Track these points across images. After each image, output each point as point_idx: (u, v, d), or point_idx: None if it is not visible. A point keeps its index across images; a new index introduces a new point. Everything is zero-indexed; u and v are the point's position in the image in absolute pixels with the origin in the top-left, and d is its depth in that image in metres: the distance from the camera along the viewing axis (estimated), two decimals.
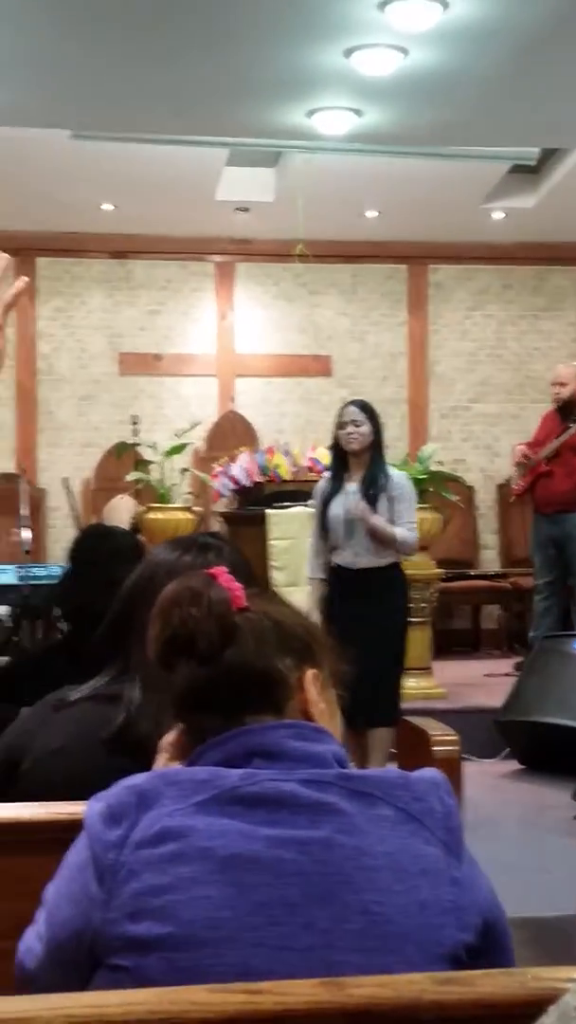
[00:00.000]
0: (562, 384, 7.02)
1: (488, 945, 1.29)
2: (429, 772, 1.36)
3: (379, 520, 4.82)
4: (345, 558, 4.90)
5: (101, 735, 1.79)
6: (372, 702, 4.51)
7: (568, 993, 0.67)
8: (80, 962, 1.25)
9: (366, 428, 4.93)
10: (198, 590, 1.36)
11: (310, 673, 1.37)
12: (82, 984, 1.24)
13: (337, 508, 4.88)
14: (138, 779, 1.29)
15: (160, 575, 1.86)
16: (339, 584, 4.92)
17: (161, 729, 1.74)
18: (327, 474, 5.09)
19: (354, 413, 4.97)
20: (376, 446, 4.94)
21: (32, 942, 1.32)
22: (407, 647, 5.25)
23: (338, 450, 5.00)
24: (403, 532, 4.87)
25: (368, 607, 4.86)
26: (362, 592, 4.88)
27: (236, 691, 1.33)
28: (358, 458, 4.94)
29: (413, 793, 1.30)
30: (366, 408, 4.98)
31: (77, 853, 1.29)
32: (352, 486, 4.92)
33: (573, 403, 6.97)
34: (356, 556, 4.90)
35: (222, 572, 1.41)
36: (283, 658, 1.35)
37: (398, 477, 5.01)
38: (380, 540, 4.84)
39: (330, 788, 1.28)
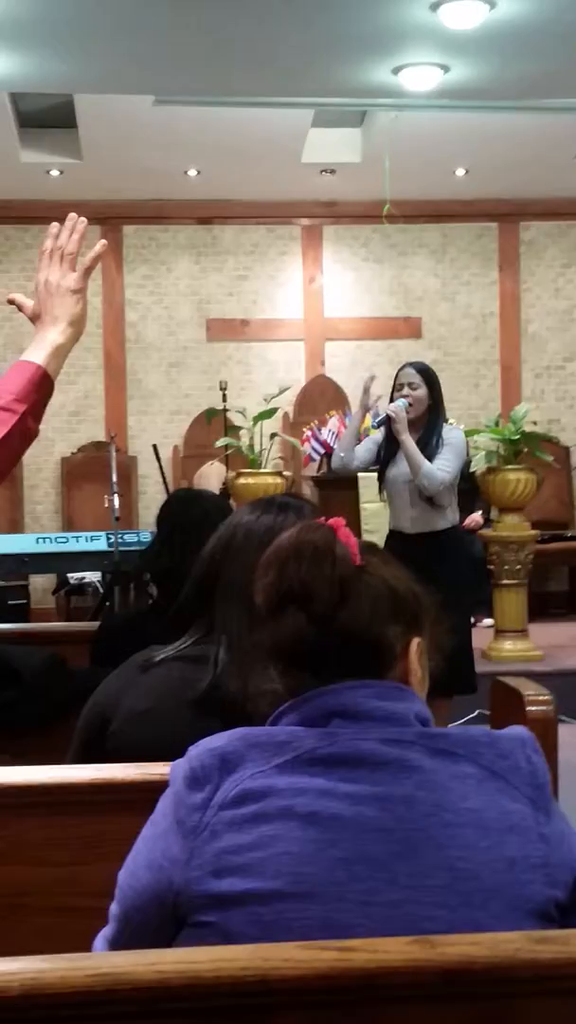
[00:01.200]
0: None
1: None
2: (515, 730, 1.34)
3: (409, 437, 4.78)
4: (394, 523, 4.88)
5: (188, 696, 1.79)
6: (454, 667, 4.47)
7: None
8: (161, 926, 1.25)
9: (422, 392, 4.86)
10: (322, 546, 1.34)
11: (415, 642, 1.36)
12: (164, 946, 1.24)
13: (393, 470, 4.83)
14: (221, 740, 1.29)
15: (239, 536, 1.86)
16: (397, 549, 4.81)
17: (249, 689, 1.74)
18: (379, 434, 4.99)
19: (411, 375, 4.91)
20: (432, 409, 4.87)
21: (100, 940, 1.34)
22: (470, 615, 5.25)
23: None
24: (430, 466, 4.80)
25: (432, 572, 4.77)
26: (418, 557, 4.78)
27: (342, 654, 1.31)
28: (413, 421, 4.89)
29: (497, 751, 1.29)
30: (423, 371, 4.92)
31: (155, 823, 1.30)
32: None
33: None
34: (403, 520, 4.86)
35: (341, 525, 1.39)
36: (394, 625, 1.33)
37: (450, 430, 4.97)
38: (409, 463, 4.77)
39: (411, 746, 1.27)
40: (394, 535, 4.89)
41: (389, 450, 4.90)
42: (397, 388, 4.89)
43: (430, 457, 4.78)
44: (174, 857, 1.24)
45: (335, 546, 1.35)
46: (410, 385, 4.86)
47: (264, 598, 1.34)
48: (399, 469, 4.84)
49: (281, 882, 1.20)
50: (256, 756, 1.26)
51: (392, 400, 4.90)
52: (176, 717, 1.77)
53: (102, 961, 1.15)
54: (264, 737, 1.28)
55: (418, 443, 4.83)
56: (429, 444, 4.81)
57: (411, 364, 5.02)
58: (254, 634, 1.39)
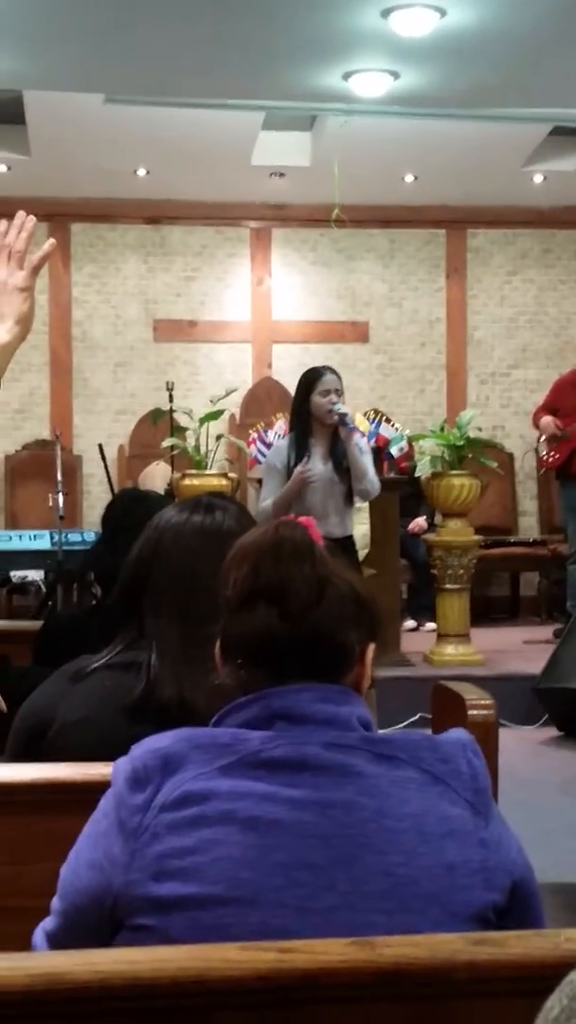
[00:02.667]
0: None
1: (516, 905, 1.28)
2: (456, 733, 1.35)
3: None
4: (322, 529, 4.85)
5: (121, 703, 1.77)
6: None
7: None
8: (99, 926, 1.25)
9: (341, 401, 4.90)
10: (301, 545, 1.34)
11: (371, 647, 1.37)
12: (102, 944, 1.24)
13: (309, 475, 4.81)
14: (164, 741, 1.29)
15: (168, 538, 1.84)
16: None
17: (185, 692, 1.73)
18: (284, 441, 4.97)
19: (336, 382, 4.92)
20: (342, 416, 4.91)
21: (40, 933, 1.33)
22: None
23: (306, 416, 4.91)
24: (372, 472, 4.88)
25: None
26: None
27: (308, 654, 1.31)
28: (325, 427, 4.89)
29: (439, 755, 1.30)
30: (339, 378, 4.98)
31: (97, 822, 1.29)
32: (319, 452, 4.86)
33: None
34: (334, 526, 4.85)
35: (312, 524, 1.40)
36: (355, 629, 1.34)
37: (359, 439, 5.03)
38: (354, 471, 4.82)
39: (353, 751, 1.27)
40: None
41: (300, 455, 4.86)
42: (321, 393, 4.86)
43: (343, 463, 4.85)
44: (115, 858, 1.24)
45: (314, 546, 1.35)
46: (336, 391, 4.88)
47: (236, 591, 1.33)
48: (318, 470, 4.83)
49: (221, 887, 1.20)
50: (199, 757, 1.26)
51: (302, 402, 4.89)
52: (112, 725, 1.76)
53: (41, 961, 1.15)
54: (207, 738, 1.28)
55: (332, 450, 4.87)
56: (346, 452, 4.88)
57: (330, 369, 5.01)
58: (215, 625, 1.37)
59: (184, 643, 1.77)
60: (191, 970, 1.10)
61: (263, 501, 4.84)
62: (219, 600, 1.37)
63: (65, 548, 6.44)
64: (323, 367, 5.07)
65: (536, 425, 7.27)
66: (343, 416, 4.86)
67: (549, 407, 7.14)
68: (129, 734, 1.46)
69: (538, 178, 8.58)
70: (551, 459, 7.03)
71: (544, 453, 7.09)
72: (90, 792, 1.43)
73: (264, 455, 7.65)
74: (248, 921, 1.20)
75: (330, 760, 1.26)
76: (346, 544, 4.89)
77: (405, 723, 5.44)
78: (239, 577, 1.34)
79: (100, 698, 1.82)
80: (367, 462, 4.91)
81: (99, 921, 1.25)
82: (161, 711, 1.71)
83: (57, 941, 1.30)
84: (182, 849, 1.22)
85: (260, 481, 5.31)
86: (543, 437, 7.09)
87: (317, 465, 4.83)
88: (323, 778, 1.25)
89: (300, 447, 4.86)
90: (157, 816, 1.23)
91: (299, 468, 4.75)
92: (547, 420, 7.00)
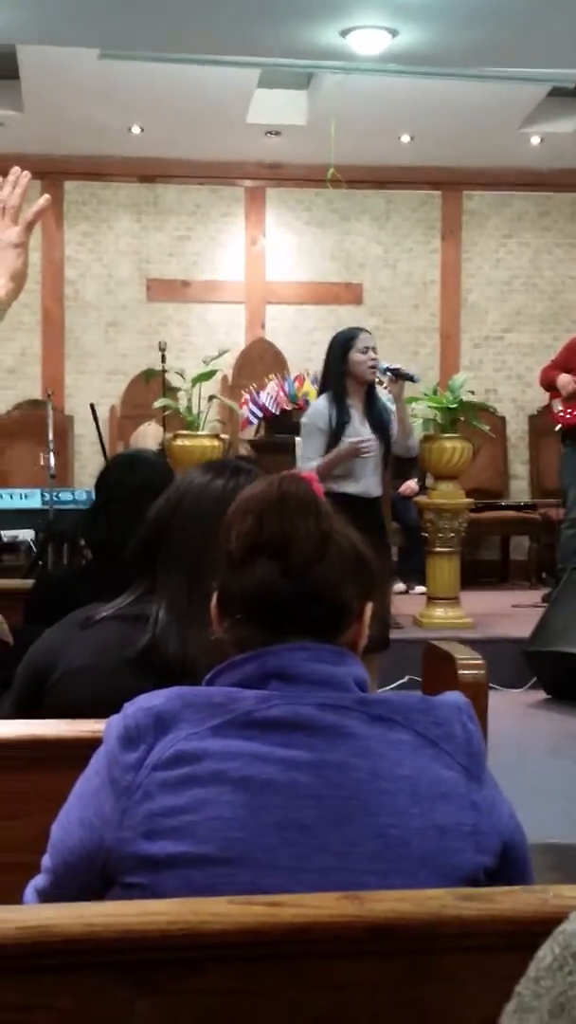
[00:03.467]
0: None
1: (506, 867, 1.29)
2: (451, 696, 1.35)
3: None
4: (361, 487, 4.84)
5: (126, 654, 1.79)
6: (382, 626, 4.61)
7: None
8: (90, 883, 1.25)
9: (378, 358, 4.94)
10: (305, 500, 1.34)
11: (369, 606, 1.36)
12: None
13: (354, 435, 4.81)
14: (157, 699, 1.29)
15: (190, 499, 1.85)
16: (350, 513, 4.77)
17: (188, 650, 1.74)
18: (324, 402, 4.94)
19: (371, 340, 4.93)
20: None
21: (31, 890, 1.33)
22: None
23: (342, 376, 4.90)
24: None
25: (379, 537, 4.86)
26: (373, 521, 4.84)
27: (308, 611, 1.31)
28: (361, 387, 4.89)
29: (433, 718, 1.30)
30: (373, 338, 5.03)
31: (89, 780, 1.29)
32: (356, 414, 4.88)
33: None
34: (372, 485, 4.87)
35: (313, 480, 1.39)
36: (354, 587, 1.33)
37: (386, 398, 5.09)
38: (403, 427, 4.97)
39: (348, 712, 1.27)
40: (351, 500, 4.77)
41: (342, 416, 4.84)
42: (360, 350, 4.85)
43: (390, 419, 4.92)
44: (106, 816, 1.24)
45: (318, 501, 1.35)
46: (373, 349, 4.89)
47: (238, 545, 1.32)
48: (361, 431, 4.83)
49: (212, 846, 1.21)
50: (192, 717, 1.25)
51: (341, 361, 4.90)
52: (114, 675, 1.77)
53: (31, 913, 1.16)
54: (201, 698, 1.28)
55: (372, 406, 4.90)
56: (386, 408, 4.96)
57: (364, 329, 5.05)
58: (215, 580, 1.37)
59: (192, 603, 1.77)
60: (181, 923, 1.11)
61: (306, 461, 4.81)
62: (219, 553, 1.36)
63: (56, 507, 6.42)
64: (356, 328, 5.08)
65: (547, 383, 7.10)
66: (396, 370, 4.96)
67: (562, 366, 7.03)
68: (131, 686, 1.46)
69: (535, 140, 8.52)
70: (569, 415, 6.89)
71: (559, 410, 6.97)
72: (83, 748, 1.43)
73: (256, 416, 7.65)
74: (239, 880, 1.20)
75: (324, 721, 1.26)
76: (377, 503, 4.95)
77: (394, 685, 5.46)
78: (242, 530, 1.32)
79: (106, 647, 1.83)
80: (410, 422, 5.08)
81: (90, 879, 1.25)
82: (164, 666, 1.72)
83: (48, 898, 1.30)
84: (174, 808, 1.22)
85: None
86: (566, 394, 6.92)
87: (361, 430, 4.84)
88: (317, 739, 1.25)
89: (340, 407, 4.84)
90: (149, 775, 1.23)
91: (354, 440, 4.75)
92: (567, 377, 6.89)
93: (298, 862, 1.21)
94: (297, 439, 6.07)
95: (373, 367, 4.85)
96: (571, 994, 0.61)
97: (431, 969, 1.14)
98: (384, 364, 4.95)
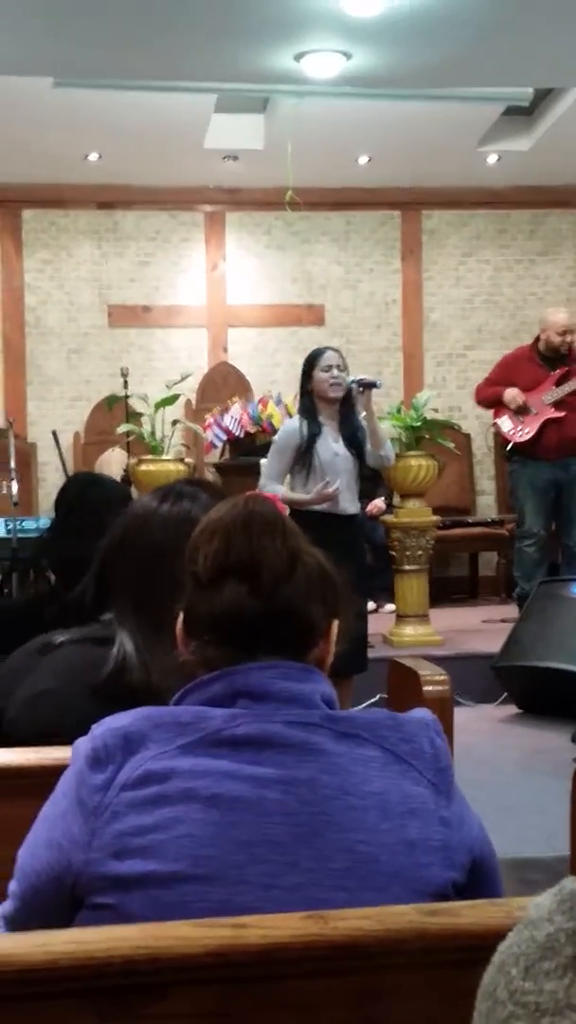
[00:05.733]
0: (571, 332, 6.91)
1: (476, 882, 1.29)
2: (419, 713, 1.35)
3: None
4: (336, 505, 4.85)
5: (90, 678, 1.77)
6: (357, 649, 4.62)
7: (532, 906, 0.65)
8: (59, 906, 1.24)
9: (345, 374, 4.96)
10: (271, 519, 1.34)
11: (335, 624, 1.37)
12: (62, 927, 1.24)
13: (327, 452, 4.85)
14: (124, 720, 1.28)
15: (134, 529, 1.84)
16: (324, 531, 4.76)
17: (153, 677, 1.72)
18: (295, 420, 5.01)
19: (336, 358, 4.97)
20: (348, 392, 4.99)
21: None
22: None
23: (310, 395, 4.95)
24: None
25: (353, 554, 4.85)
26: (349, 538, 4.85)
27: (276, 630, 1.30)
28: (331, 405, 4.93)
29: (402, 734, 1.30)
30: (341, 355, 5.05)
31: (56, 802, 1.28)
32: (329, 431, 4.90)
33: (558, 349, 6.90)
34: (347, 502, 4.89)
35: (276, 499, 1.39)
36: (320, 605, 1.33)
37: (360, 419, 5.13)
38: (375, 438, 4.98)
39: (316, 729, 1.27)
40: (330, 518, 4.79)
41: (312, 430, 4.88)
42: (323, 369, 4.90)
43: (364, 439, 4.95)
44: (74, 838, 1.23)
45: (284, 519, 1.35)
46: (337, 367, 4.93)
47: (206, 567, 1.32)
48: (334, 448, 4.85)
49: (182, 865, 1.20)
50: (160, 736, 1.25)
51: (308, 380, 4.93)
52: (75, 699, 1.75)
53: None
54: (169, 717, 1.28)
55: (345, 425, 4.94)
56: (360, 427, 4.99)
57: (330, 348, 5.10)
58: (177, 604, 1.36)
59: (149, 633, 1.76)
60: (144, 948, 1.10)
61: (268, 480, 4.83)
62: (182, 577, 1.36)
63: (20, 536, 6.38)
64: (324, 347, 5.16)
65: (488, 400, 7.04)
66: (360, 380, 5.00)
67: (499, 383, 7.01)
68: (93, 711, 1.45)
69: (492, 158, 8.59)
70: (523, 433, 6.83)
71: (510, 428, 6.89)
72: (44, 776, 1.42)
73: (220, 439, 7.66)
74: (210, 898, 1.19)
75: (293, 738, 1.26)
76: (354, 521, 4.97)
77: (365, 704, 5.45)
78: (209, 552, 1.32)
79: (66, 670, 1.81)
80: (383, 433, 5.12)
81: (58, 902, 1.24)
82: (130, 694, 1.70)
83: (16, 924, 1.29)
84: (143, 827, 1.21)
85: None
86: (512, 410, 6.84)
87: (334, 447, 4.89)
88: (286, 756, 1.25)
89: (311, 423, 4.89)
90: (118, 795, 1.23)
91: (320, 488, 4.79)
92: (513, 391, 6.84)
93: (269, 879, 1.20)
94: (262, 461, 6.08)
95: (335, 385, 4.88)
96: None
97: (398, 986, 1.13)
98: (350, 378, 5.01)
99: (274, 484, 4.85)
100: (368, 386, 5.02)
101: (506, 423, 6.88)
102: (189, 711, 1.28)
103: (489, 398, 7.00)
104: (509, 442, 6.92)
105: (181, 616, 1.36)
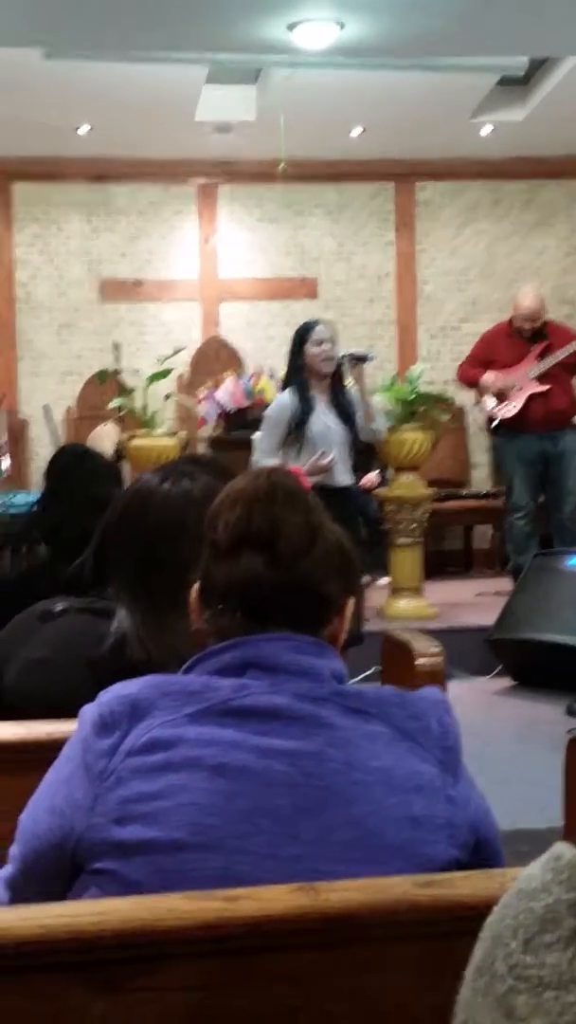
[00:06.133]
0: (539, 317, 6.99)
1: (479, 862, 1.29)
2: (428, 691, 1.36)
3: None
4: (330, 476, 4.85)
5: (88, 652, 1.76)
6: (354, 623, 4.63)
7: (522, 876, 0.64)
8: (60, 872, 1.24)
9: (336, 348, 4.95)
10: (295, 492, 1.33)
11: (351, 602, 1.37)
12: (62, 896, 1.24)
13: (320, 425, 4.84)
14: (132, 687, 1.28)
15: (137, 503, 1.84)
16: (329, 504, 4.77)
17: (152, 658, 1.71)
18: (286, 394, 4.98)
19: (327, 332, 4.96)
20: (338, 366, 4.98)
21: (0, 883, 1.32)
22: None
23: (301, 370, 4.93)
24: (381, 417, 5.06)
25: (348, 527, 4.86)
26: (343, 510, 4.86)
27: (293, 602, 1.30)
28: (322, 379, 4.92)
29: (409, 712, 1.30)
30: (332, 328, 5.04)
31: (60, 767, 1.28)
32: (321, 404, 4.89)
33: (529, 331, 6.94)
34: (341, 474, 4.89)
35: (301, 473, 1.39)
36: (338, 582, 1.33)
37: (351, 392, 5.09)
38: (368, 411, 5.02)
39: (324, 703, 1.27)
40: (323, 489, 4.79)
41: (305, 406, 4.86)
42: (315, 343, 4.89)
43: (356, 410, 4.93)
44: (77, 803, 1.23)
45: (307, 494, 1.34)
46: (329, 340, 4.93)
47: (226, 535, 1.31)
48: (326, 421, 4.84)
49: (184, 832, 1.20)
50: (167, 704, 1.25)
51: (299, 354, 4.90)
52: (72, 671, 1.74)
53: None
54: (177, 686, 1.27)
55: (337, 398, 4.92)
56: (352, 399, 4.97)
57: (320, 322, 5.09)
58: (201, 570, 1.35)
59: (147, 610, 1.76)
60: (135, 921, 1.09)
61: (262, 454, 4.80)
62: (183, 555, 1.35)
63: (12, 511, 6.35)
64: (313, 320, 5.12)
65: (470, 381, 7.09)
66: (351, 354, 4.99)
67: (481, 361, 7.04)
68: (90, 684, 1.44)
69: (486, 129, 8.53)
70: (508, 409, 6.86)
71: (493, 406, 6.93)
72: (38, 751, 1.41)
73: (213, 413, 7.64)
74: (210, 866, 1.19)
75: (301, 710, 1.26)
76: (348, 493, 4.97)
77: (360, 677, 5.44)
78: (230, 520, 1.32)
79: (64, 639, 1.81)
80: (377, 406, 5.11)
81: (59, 866, 1.25)
82: (128, 669, 1.69)
83: (17, 887, 1.30)
84: (147, 794, 1.21)
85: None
86: (493, 391, 6.91)
87: (326, 420, 4.87)
88: (293, 728, 1.25)
89: (303, 399, 4.87)
90: (123, 761, 1.23)
91: (319, 459, 4.78)
92: (489, 378, 6.89)
93: (270, 849, 1.20)
94: (255, 435, 6.06)
95: (327, 359, 4.87)
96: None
97: (391, 957, 1.13)
98: (341, 352, 4.99)
99: (268, 458, 4.84)
100: (360, 359, 5.02)
101: (490, 400, 6.92)
102: (198, 680, 1.28)
103: (470, 379, 7.07)
104: (494, 418, 6.93)
105: (197, 585, 1.35)
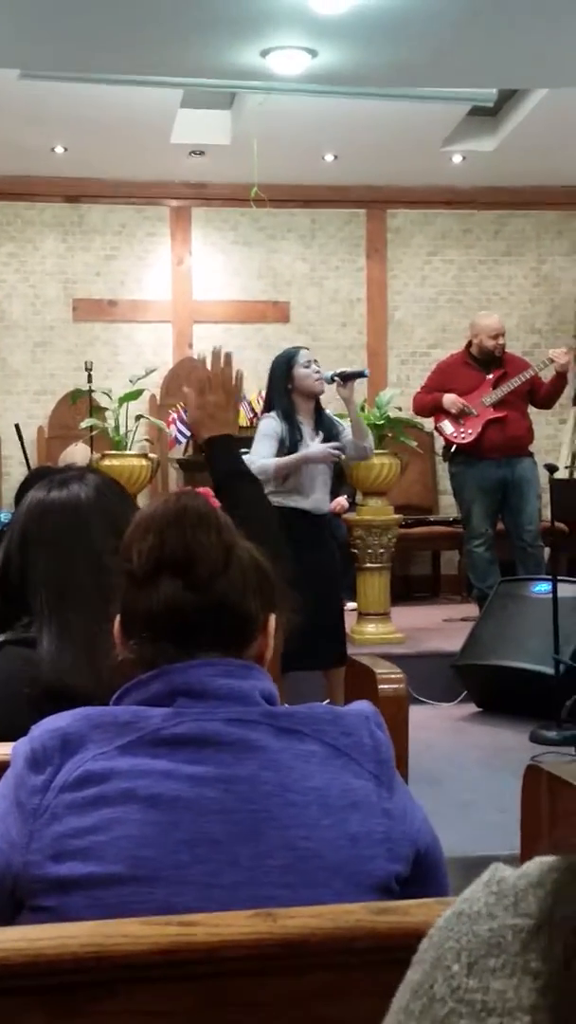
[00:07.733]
0: (502, 335, 7.06)
1: (420, 873, 1.30)
2: (358, 706, 1.36)
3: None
4: (311, 503, 4.86)
5: (26, 687, 1.71)
6: (338, 641, 4.66)
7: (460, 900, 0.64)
8: (0, 911, 1.24)
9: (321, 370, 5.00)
10: (204, 513, 1.33)
11: (273, 617, 1.37)
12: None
13: (306, 450, 4.85)
14: (63, 721, 1.27)
15: (35, 518, 1.81)
16: (304, 528, 4.74)
17: (83, 678, 1.67)
18: (275, 416, 4.95)
19: (311, 355, 5.01)
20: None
21: None
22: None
23: (289, 394, 4.94)
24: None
25: (328, 552, 4.90)
26: (322, 537, 4.88)
27: (214, 624, 1.30)
28: (309, 402, 4.94)
29: (341, 728, 1.30)
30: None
31: None
32: (307, 431, 4.91)
33: (492, 352, 6.99)
34: (321, 502, 4.90)
35: (210, 494, 1.39)
36: (257, 599, 1.33)
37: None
38: (358, 429, 4.98)
39: (255, 726, 1.27)
40: (302, 516, 4.77)
41: (294, 434, 4.84)
42: (304, 365, 4.91)
43: (339, 434, 4.96)
44: (12, 840, 1.23)
45: (217, 513, 1.35)
46: (316, 361, 4.98)
47: (141, 563, 1.32)
48: (312, 448, 4.85)
49: (122, 866, 1.20)
50: (99, 737, 1.24)
51: (288, 378, 4.91)
52: (11, 706, 1.70)
53: None
54: (108, 717, 1.27)
55: (320, 421, 4.94)
56: (334, 422, 5.00)
57: (304, 348, 5.16)
58: (120, 601, 1.35)
59: (73, 625, 1.73)
60: (92, 946, 1.10)
61: (258, 458, 4.71)
62: (93, 558, 1.34)
63: None
64: (295, 346, 5.20)
65: (427, 408, 7.09)
66: (342, 373, 5.02)
67: (436, 389, 7.11)
68: (31, 718, 1.43)
69: (457, 158, 8.62)
70: (465, 436, 6.95)
71: (452, 431, 7.00)
72: None
73: (184, 435, 7.65)
74: (151, 899, 1.19)
75: (232, 735, 1.25)
76: (325, 520, 4.98)
77: (327, 701, 5.46)
78: (144, 548, 1.32)
79: (5, 676, 1.78)
80: (365, 426, 5.16)
81: (0, 903, 1.24)
82: (57, 697, 1.67)
83: None
84: (82, 829, 1.21)
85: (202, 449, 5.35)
86: (454, 413, 6.94)
87: (313, 447, 4.86)
88: (226, 754, 1.24)
89: (291, 426, 4.86)
90: (57, 797, 1.22)
91: (329, 446, 4.80)
92: (452, 397, 6.97)
93: (209, 878, 1.20)
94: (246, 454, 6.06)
95: (319, 379, 4.91)
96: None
97: (347, 985, 1.14)
98: (328, 372, 5.02)
99: (264, 461, 4.75)
100: (352, 377, 5.05)
101: (447, 426, 7.02)
102: (128, 711, 1.28)
103: (428, 404, 7.12)
104: (451, 444, 7.01)
105: (118, 617, 1.35)
